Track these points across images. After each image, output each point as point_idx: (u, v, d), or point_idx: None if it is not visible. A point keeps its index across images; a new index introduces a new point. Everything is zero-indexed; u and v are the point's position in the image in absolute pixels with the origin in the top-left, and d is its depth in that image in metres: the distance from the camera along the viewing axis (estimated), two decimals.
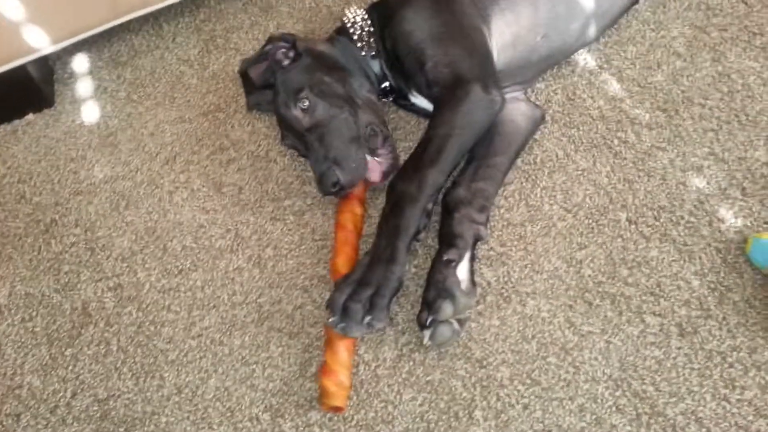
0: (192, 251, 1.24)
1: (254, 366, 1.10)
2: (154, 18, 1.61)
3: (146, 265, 1.24)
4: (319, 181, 1.12)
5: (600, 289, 1.08)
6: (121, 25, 1.60)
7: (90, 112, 1.49)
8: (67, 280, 1.26)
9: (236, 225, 1.26)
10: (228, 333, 1.14)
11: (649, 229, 1.12)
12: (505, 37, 1.20)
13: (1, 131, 1.48)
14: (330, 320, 1.01)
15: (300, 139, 1.19)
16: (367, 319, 1.00)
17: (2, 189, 1.39)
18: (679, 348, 1.01)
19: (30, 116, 1.50)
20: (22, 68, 1.42)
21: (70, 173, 1.40)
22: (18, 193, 1.38)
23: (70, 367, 1.15)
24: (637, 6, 1.35)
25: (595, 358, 1.02)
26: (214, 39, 1.55)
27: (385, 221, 1.06)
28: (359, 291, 1.01)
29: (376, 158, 1.16)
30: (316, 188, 1.16)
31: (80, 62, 1.58)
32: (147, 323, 1.17)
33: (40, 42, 1.35)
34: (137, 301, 1.20)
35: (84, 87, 1.54)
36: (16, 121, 1.49)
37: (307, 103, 1.16)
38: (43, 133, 1.48)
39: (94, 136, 1.44)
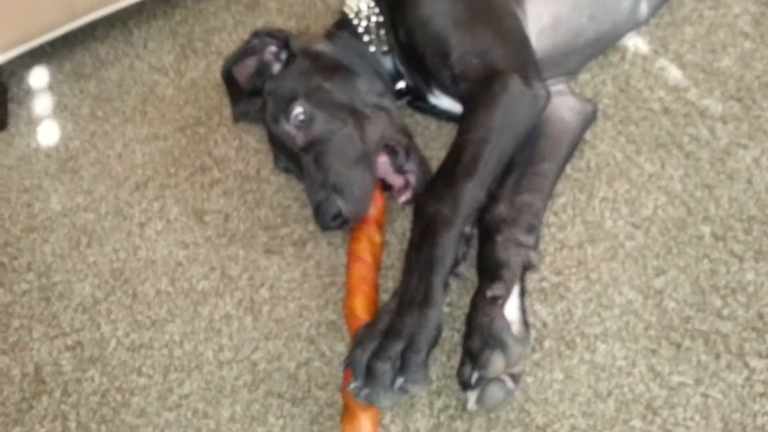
0: (168, 297, 1.01)
1: None
2: (123, 23, 1.40)
3: (111, 317, 1.00)
4: (317, 212, 0.91)
5: (688, 326, 0.84)
6: (84, 33, 1.40)
7: (48, 134, 1.27)
8: (17, 338, 1.02)
9: (222, 261, 1.02)
10: (214, 401, 0.90)
11: (741, 245, 0.89)
12: (543, 19, 0.99)
13: None
14: (351, 386, 0.77)
15: (294, 160, 0.97)
16: (399, 381, 0.76)
17: None
18: None
19: None
20: None
21: (23, 207, 1.17)
22: None
23: None
24: None
25: (692, 418, 0.79)
26: (192, 42, 1.33)
27: (415, 252, 0.83)
28: (387, 345, 0.78)
29: (404, 175, 0.95)
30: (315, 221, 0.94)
31: (38, 77, 1.37)
32: (113, 391, 0.93)
33: None
34: (101, 362, 0.96)
35: (41, 105, 1.32)
36: None
37: (302, 116, 0.94)
38: None
39: (52, 162, 1.22)
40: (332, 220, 0.89)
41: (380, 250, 0.93)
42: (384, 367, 0.76)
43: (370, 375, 0.76)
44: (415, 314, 0.78)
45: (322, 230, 0.94)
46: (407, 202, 0.96)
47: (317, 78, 0.98)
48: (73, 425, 0.92)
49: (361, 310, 0.86)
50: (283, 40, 1.03)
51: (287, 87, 0.99)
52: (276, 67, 1.03)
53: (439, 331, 0.79)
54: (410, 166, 0.94)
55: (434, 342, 0.79)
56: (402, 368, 0.76)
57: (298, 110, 0.95)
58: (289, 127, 0.96)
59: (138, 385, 0.93)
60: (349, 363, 0.78)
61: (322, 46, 1.05)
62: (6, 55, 1.20)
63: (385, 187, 0.97)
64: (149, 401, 0.91)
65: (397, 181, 0.95)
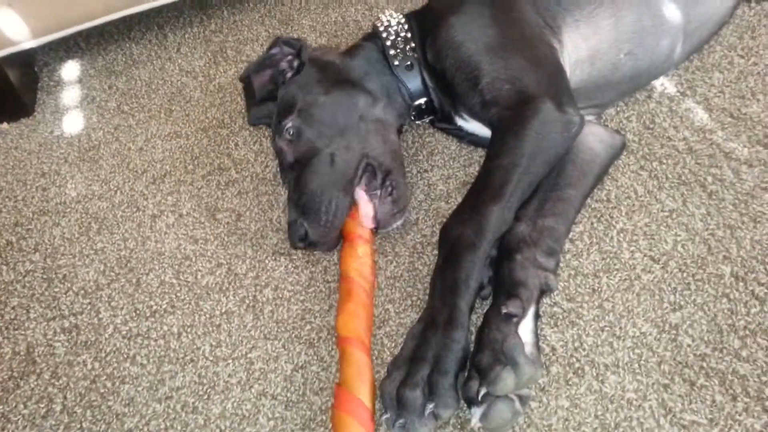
0: (171, 288, 0.99)
1: None
2: (159, 27, 1.43)
3: (112, 303, 0.98)
4: (288, 232, 0.93)
5: (704, 365, 0.81)
6: (120, 33, 1.44)
7: (72, 123, 1.28)
8: (13, 316, 1.00)
9: (230, 259, 1.01)
10: (205, 397, 0.86)
11: (762, 288, 0.86)
12: (580, 51, 0.99)
13: None
14: (384, 418, 0.75)
15: (286, 176, 0.99)
16: (430, 407, 0.73)
17: None
18: None
19: (4, 125, 1.30)
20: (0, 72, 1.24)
21: (38, 190, 1.17)
22: None
23: None
24: (721, 31, 1.15)
25: None
26: (224, 50, 1.36)
27: (439, 275, 0.81)
28: (413, 371, 0.75)
29: (372, 199, 0.94)
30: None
31: (69, 70, 1.39)
32: (103, 377, 0.91)
33: (17, 33, 1.16)
34: (95, 348, 0.94)
35: (70, 96, 1.34)
36: None
37: (291, 130, 0.96)
38: (15, 144, 1.26)
39: (73, 149, 1.22)
40: (299, 241, 0.90)
41: (370, 263, 0.91)
42: (413, 395, 0.73)
43: (401, 404, 0.74)
44: (439, 337, 0.76)
45: (293, 249, 0.95)
46: (374, 229, 0.95)
47: (317, 90, 0.99)
48: (58, 408, 0.89)
49: (342, 327, 0.84)
50: (298, 47, 1.05)
51: (288, 99, 1.00)
52: (289, 74, 1.05)
53: (466, 352, 0.77)
54: (382, 192, 0.93)
55: (461, 365, 0.76)
56: (431, 393, 0.73)
57: (288, 125, 0.96)
58: (281, 142, 0.98)
59: (130, 373, 0.90)
60: (379, 395, 0.76)
61: (334, 58, 1.06)
62: (37, 41, 1.22)
63: None
64: (139, 391, 0.88)
65: (362, 202, 0.94)
